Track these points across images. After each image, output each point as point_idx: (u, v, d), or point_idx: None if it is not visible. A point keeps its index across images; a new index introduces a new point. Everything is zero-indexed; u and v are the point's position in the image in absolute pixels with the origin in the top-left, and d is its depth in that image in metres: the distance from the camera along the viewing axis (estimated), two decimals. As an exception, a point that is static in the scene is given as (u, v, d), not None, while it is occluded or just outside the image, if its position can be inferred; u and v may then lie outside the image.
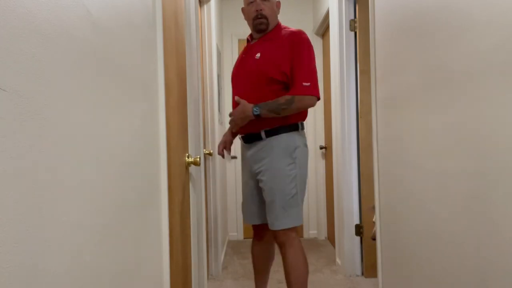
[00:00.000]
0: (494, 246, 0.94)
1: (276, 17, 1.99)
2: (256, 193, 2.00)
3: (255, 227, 2.10)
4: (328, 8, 3.16)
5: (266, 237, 2.08)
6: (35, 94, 0.50)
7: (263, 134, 1.89)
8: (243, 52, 2.08)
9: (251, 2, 1.95)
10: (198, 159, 1.64)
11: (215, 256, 2.91)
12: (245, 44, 2.16)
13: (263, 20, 1.92)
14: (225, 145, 2.18)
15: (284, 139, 1.88)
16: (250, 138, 1.95)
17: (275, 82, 1.88)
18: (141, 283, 0.97)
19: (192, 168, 1.76)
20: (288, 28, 1.96)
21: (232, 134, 2.19)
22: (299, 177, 1.88)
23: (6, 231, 0.43)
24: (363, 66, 2.70)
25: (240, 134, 2.04)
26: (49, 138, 0.54)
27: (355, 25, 2.78)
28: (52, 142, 0.54)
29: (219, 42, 3.58)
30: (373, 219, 2.26)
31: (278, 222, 1.86)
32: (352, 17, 2.81)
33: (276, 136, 1.88)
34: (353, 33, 2.82)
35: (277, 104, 1.83)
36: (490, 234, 0.96)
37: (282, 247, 1.91)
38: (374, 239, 2.16)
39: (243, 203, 2.09)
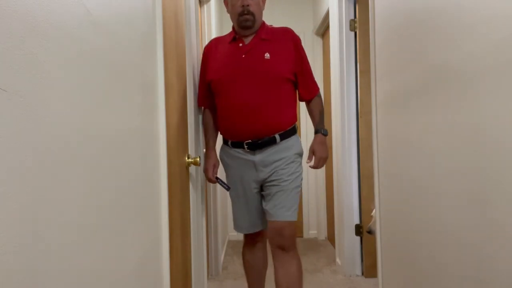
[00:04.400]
0: (496, 246, 0.94)
1: (262, 14, 1.89)
2: (255, 199, 1.90)
3: (249, 235, 2.03)
4: (328, 8, 3.16)
5: (260, 243, 2.04)
6: (35, 94, 0.50)
7: (278, 138, 1.81)
8: (227, 52, 1.87)
9: None
10: (198, 159, 1.64)
11: (215, 256, 2.91)
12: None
13: (249, 17, 1.80)
14: (216, 169, 1.99)
15: (295, 141, 1.88)
16: (260, 144, 1.81)
17: (288, 82, 1.85)
18: (141, 283, 0.97)
19: (192, 168, 1.76)
20: (274, 27, 1.92)
21: (215, 153, 2.02)
22: (301, 178, 1.91)
23: (6, 231, 0.43)
24: (363, 66, 2.70)
25: (237, 140, 1.85)
26: (49, 138, 0.54)
27: (355, 25, 2.78)
28: (52, 142, 0.54)
29: (219, 42, 3.57)
30: (372, 213, 2.28)
31: (288, 213, 1.80)
32: (352, 17, 2.81)
33: (289, 138, 1.85)
34: (353, 33, 2.82)
35: (322, 111, 1.95)
36: (492, 233, 0.96)
37: (288, 250, 1.83)
38: (369, 232, 2.20)
39: (238, 214, 1.97)
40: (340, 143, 2.88)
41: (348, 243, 2.84)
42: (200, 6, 2.79)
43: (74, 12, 0.63)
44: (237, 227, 2.00)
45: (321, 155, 1.86)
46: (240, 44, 1.85)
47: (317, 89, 1.96)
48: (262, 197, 1.89)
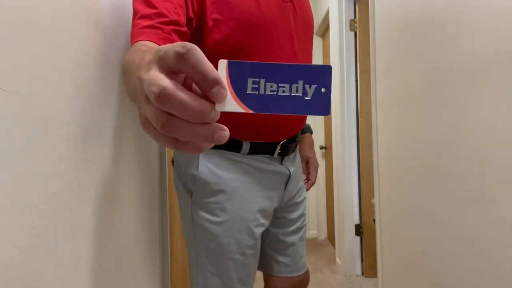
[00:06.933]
0: (501, 246, 0.94)
1: None
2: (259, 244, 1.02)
3: None
4: (328, 8, 3.16)
5: None
6: (35, 94, 0.50)
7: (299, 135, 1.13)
8: None
9: None
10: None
11: (215, 256, 2.91)
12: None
13: None
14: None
15: None
16: (292, 146, 1.05)
17: None
18: (141, 283, 0.97)
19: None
20: None
21: None
22: None
23: (5, 232, 0.43)
24: (363, 66, 2.70)
25: (265, 140, 0.97)
26: (50, 138, 0.53)
27: (355, 25, 2.78)
28: (53, 142, 0.54)
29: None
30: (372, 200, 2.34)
31: (305, 258, 1.19)
32: (352, 17, 2.81)
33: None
34: (353, 33, 2.82)
35: None
36: (496, 233, 0.96)
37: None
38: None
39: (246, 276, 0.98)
40: (340, 143, 2.88)
41: (348, 243, 2.84)
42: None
43: (74, 12, 0.63)
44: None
45: (317, 165, 1.28)
46: None
47: None
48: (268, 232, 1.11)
